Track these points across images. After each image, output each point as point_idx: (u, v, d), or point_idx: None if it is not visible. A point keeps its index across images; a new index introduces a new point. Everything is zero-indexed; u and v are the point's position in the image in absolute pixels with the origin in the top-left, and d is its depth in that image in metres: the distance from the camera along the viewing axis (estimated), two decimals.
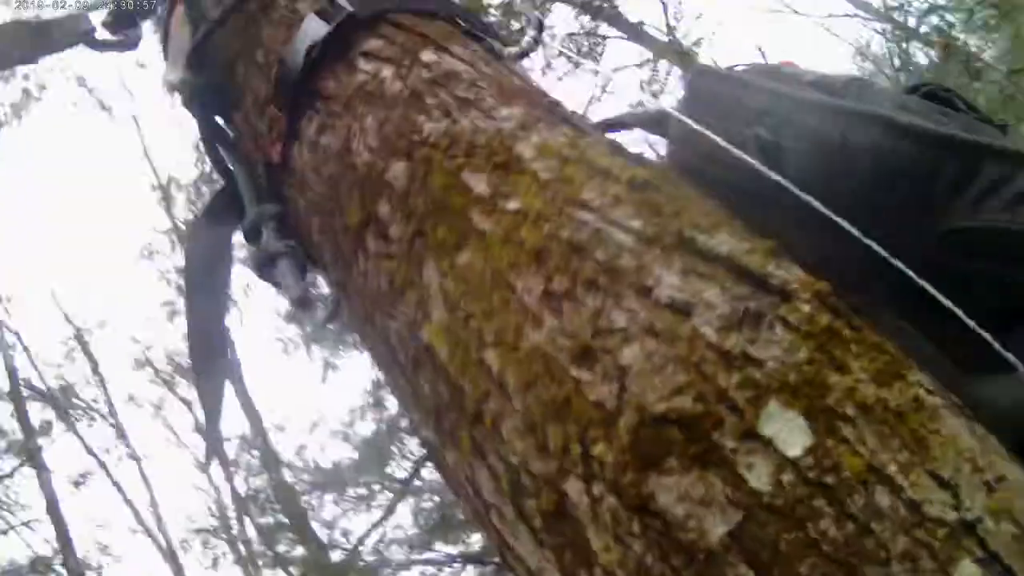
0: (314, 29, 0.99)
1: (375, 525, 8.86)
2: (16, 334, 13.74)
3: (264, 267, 0.98)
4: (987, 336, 0.62)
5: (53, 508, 11.74)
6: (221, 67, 1.15)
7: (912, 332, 0.68)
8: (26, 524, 12.48)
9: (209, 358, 1.21)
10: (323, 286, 1.07)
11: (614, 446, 0.62)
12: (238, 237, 1.08)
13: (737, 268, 0.66)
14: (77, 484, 13.88)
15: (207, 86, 1.14)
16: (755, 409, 0.58)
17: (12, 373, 12.83)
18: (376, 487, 8.66)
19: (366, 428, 8.80)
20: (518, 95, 0.87)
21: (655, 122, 0.96)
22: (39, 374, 14.32)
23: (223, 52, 1.14)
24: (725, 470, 0.57)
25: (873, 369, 0.59)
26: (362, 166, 0.87)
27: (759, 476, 0.56)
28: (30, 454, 12.17)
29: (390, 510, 8.67)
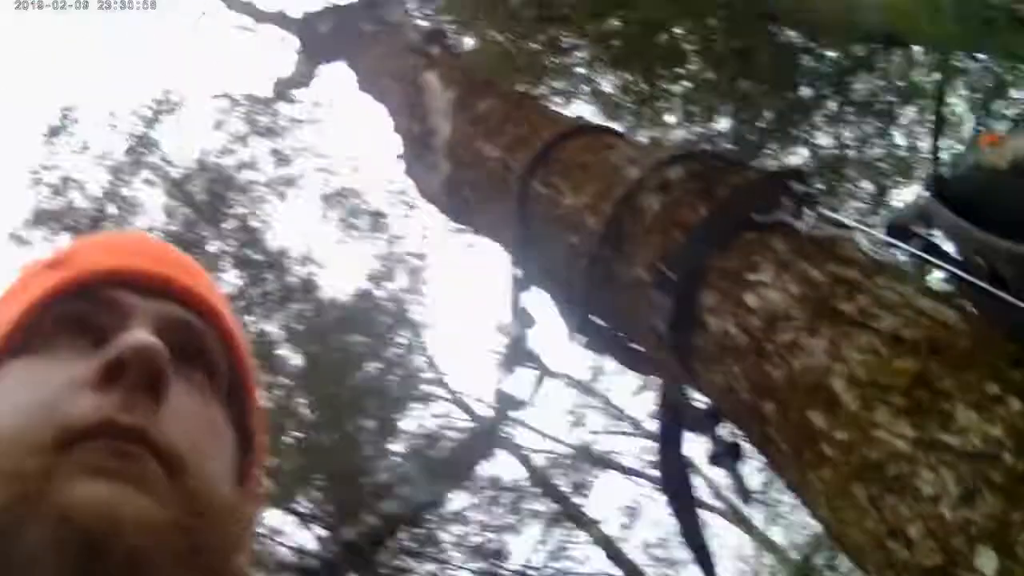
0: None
1: None
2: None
3: (715, 460, 1.60)
4: None
5: None
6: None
7: None
8: None
9: None
10: None
11: None
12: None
13: (968, 455, 1.08)
14: None
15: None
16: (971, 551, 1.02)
17: None
18: None
19: None
20: (821, 315, 1.36)
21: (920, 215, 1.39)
22: None
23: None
24: None
25: None
26: (746, 401, 1.44)
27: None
28: None
29: None
